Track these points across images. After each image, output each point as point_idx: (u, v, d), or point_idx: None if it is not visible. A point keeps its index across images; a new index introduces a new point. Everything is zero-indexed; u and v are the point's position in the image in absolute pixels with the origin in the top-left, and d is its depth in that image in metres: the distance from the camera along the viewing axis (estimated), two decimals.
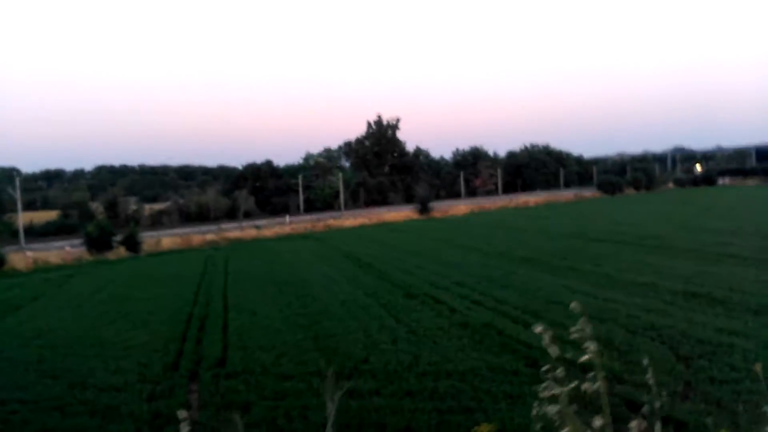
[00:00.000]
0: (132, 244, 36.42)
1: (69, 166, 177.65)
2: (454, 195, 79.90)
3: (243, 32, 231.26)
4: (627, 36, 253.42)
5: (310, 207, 66.51)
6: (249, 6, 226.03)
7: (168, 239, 40.22)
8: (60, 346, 14.84)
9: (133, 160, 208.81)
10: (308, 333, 14.39)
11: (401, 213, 57.73)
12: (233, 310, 17.69)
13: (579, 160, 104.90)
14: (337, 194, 67.95)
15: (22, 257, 33.97)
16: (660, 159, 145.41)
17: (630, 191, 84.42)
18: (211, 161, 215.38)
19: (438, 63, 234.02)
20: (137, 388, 11.19)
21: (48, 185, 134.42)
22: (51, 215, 56.43)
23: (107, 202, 55.99)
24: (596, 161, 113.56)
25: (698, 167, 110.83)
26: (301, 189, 64.62)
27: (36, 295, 23.20)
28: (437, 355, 11.91)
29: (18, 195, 41.70)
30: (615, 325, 13.38)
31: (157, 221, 55.69)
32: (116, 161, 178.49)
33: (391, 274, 22.55)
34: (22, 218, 44.78)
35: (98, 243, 35.77)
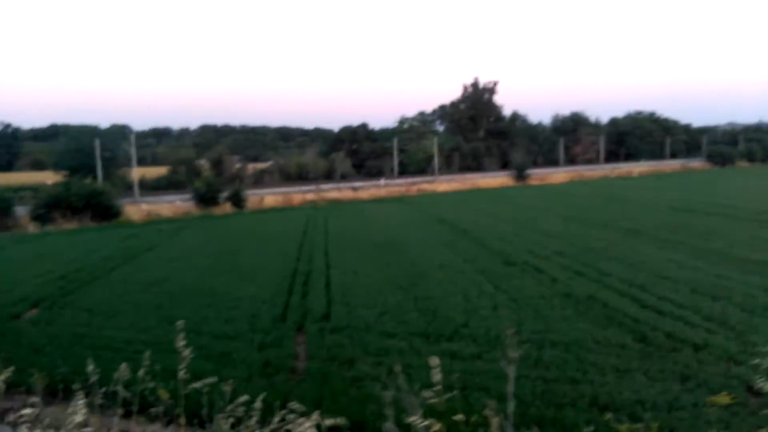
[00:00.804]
0: (237, 200, 38.04)
1: (176, 125, 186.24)
2: (553, 162, 77.65)
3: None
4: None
5: (404, 170, 66.72)
6: None
7: (270, 197, 41.68)
8: (175, 294, 15.85)
9: (235, 120, 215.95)
10: (408, 294, 14.62)
11: (496, 179, 56.90)
12: (335, 268, 18.19)
13: (687, 129, 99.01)
14: (430, 158, 67.72)
15: (136, 209, 36.31)
16: None
17: (743, 163, 79.18)
18: (308, 123, 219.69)
19: (538, 24, 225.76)
20: (248, 337, 11.82)
21: (157, 142, 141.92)
22: (161, 171, 59.61)
23: (213, 160, 58.51)
24: (705, 130, 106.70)
25: None
26: (396, 152, 64.86)
27: (150, 245, 24.74)
28: (540, 323, 11.80)
29: (133, 151, 44.39)
30: (729, 303, 12.74)
31: (259, 180, 57.71)
32: (219, 121, 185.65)
33: (488, 241, 22.38)
34: (132, 173, 47.80)
35: (206, 199, 37.58)
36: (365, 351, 10.75)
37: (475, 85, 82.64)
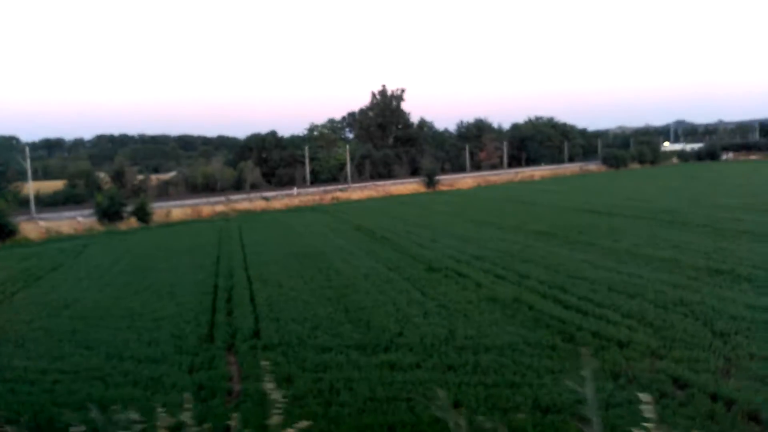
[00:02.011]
0: (142, 214, 36.42)
1: (68, 135, 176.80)
2: (459, 168, 79.66)
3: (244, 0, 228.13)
4: (628, 7, 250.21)
5: (315, 179, 66.36)
6: None
7: (178, 210, 40.21)
8: (89, 316, 14.92)
9: (132, 129, 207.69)
10: (338, 306, 14.48)
11: (408, 186, 57.67)
12: (257, 281, 17.76)
13: (583, 133, 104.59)
14: (342, 166, 67.76)
15: (34, 227, 34.02)
16: (662, 132, 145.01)
17: (635, 165, 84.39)
18: (210, 131, 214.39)
19: (442, 34, 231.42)
20: (176, 360, 11.28)
21: (48, 154, 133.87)
22: (57, 185, 56.28)
23: (114, 172, 55.80)
24: (599, 134, 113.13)
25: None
26: (307, 160, 64.37)
27: (54, 265, 23.23)
28: (472, 329, 12.00)
29: (28, 164, 41.58)
30: (644, 300, 13.47)
31: (163, 192, 55.58)
32: (115, 130, 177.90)
33: (408, 248, 22.60)
34: (26, 188, 44.78)
35: (109, 213, 35.76)
36: (302, 368, 10.53)
37: (383, 92, 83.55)
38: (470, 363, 10.16)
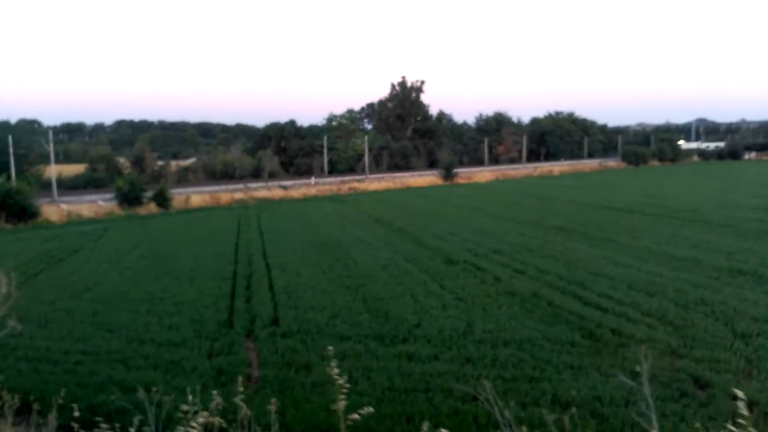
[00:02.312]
0: (162, 200, 36.71)
1: (89, 120, 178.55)
2: (477, 161, 79.28)
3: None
4: (651, 4, 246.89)
5: (333, 169, 66.41)
6: None
7: (197, 196, 40.46)
8: (111, 299, 15.10)
9: (153, 115, 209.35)
10: (356, 295, 14.53)
11: (425, 178, 57.52)
12: (276, 269, 17.86)
13: (603, 129, 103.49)
14: (359, 157, 67.71)
15: (56, 209, 34.43)
16: (683, 130, 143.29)
17: (654, 162, 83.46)
18: (229, 119, 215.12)
19: (463, 25, 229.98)
20: (195, 345, 11.40)
21: (68, 138, 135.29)
22: (78, 169, 56.89)
23: (134, 158, 56.30)
24: (620, 131, 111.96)
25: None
26: (325, 150, 64.41)
27: (75, 248, 23.53)
28: (490, 322, 11.98)
29: (51, 148, 42.05)
30: (664, 299, 13.37)
31: (183, 178, 55.93)
32: (135, 116, 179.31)
33: (426, 240, 22.59)
34: (49, 171, 45.29)
35: (129, 198, 36.10)
36: (320, 356, 10.56)
37: (402, 84, 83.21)
38: (488, 356, 10.16)
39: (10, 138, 40.22)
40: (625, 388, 8.72)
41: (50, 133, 44.49)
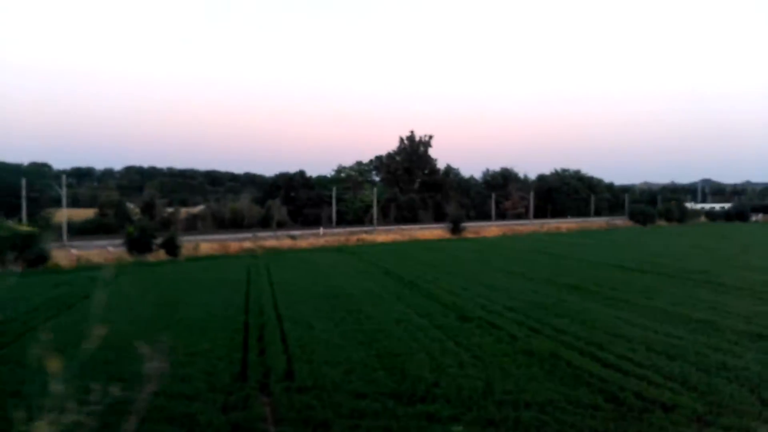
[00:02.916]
0: (171, 247, 36.75)
1: (98, 165, 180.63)
2: (484, 216, 79.57)
3: (277, 39, 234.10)
4: (655, 63, 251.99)
5: (340, 220, 66.69)
6: (284, 13, 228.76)
7: (206, 244, 40.52)
8: (121, 348, 14.87)
9: (162, 162, 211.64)
10: (370, 351, 14.32)
11: (433, 231, 57.61)
12: (287, 321, 17.67)
13: (610, 188, 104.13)
14: (367, 208, 68.08)
15: (66, 254, 34.45)
16: (689, 190, 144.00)
17: (662, 222, 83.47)
18: (237, 168, 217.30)
19: (470, 82, 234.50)
20: (209, 398, 11.19)
21: (78, 183, 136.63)
22: (88, 213, 57.24)
23: (143, 204, 56.69)
24: (626, 189, 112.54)
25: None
26: (334, 201, 64.82)
27: (86, 293, 23.43)
28: (510, 383, 11.74)
29: (63, 192, 42.44)
30: (685, 362, 13.12)
31: (191, 225, 56.17)
32: (144, 162, 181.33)
33: (438, 295, 22.42)
34: (60, 215, 45.60)
35: (139, 244, 36.15)
36: (337, 413, 10.36)
37: (411, 137, 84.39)
38: (511, 419, 9.91)
39: (23, 181, 40.66)
40: None
41: (63, 177, 45.00)
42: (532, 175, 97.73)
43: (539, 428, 9.56)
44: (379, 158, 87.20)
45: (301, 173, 74.20)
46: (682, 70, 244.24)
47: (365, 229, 57.18)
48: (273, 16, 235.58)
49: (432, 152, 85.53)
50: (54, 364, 4.56)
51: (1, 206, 47.28)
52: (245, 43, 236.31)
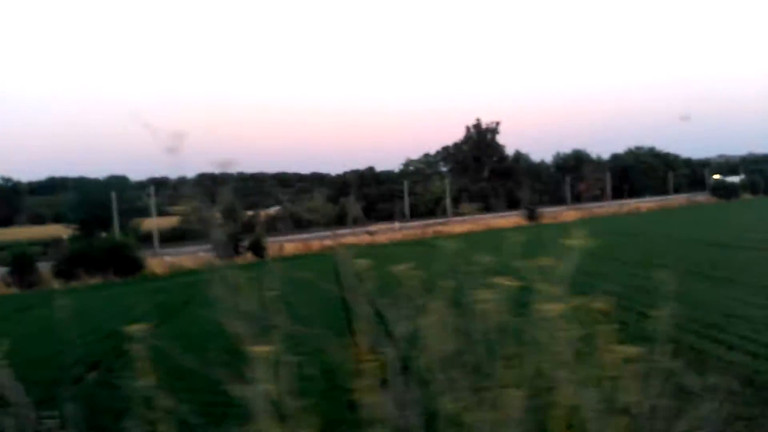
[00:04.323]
0: (258, 249, 37.86)
1: (172, 174, 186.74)
2: (558, 200, 77.96)
3: (333, 37, 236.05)
4: (726, 35, 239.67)
5: (413, 213, 66.93)
6: (343, 8, 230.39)
7: (290, 244, 41.53)
8: (236, 351, 15.51)
9: (232, 167, 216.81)
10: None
11: (509, 219, 57.05)
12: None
13: (688, 163, 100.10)
14: (438, 200, 68.01)
15: (159, 262, 36.04)
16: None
17: (746, 195, 79.78)
18: (304, 168, 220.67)
19: (535, 65, 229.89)
20: (333, 396, 11.51)
21: (156, 192, 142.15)
22: (171, 221, 59.56)
23: (224, 209, 58.43)
24: (706, 163, 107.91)
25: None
26: (406, 195, 65.15)
27: (187, 298, 24.47)
28: None
29: (153, 202, 44.48)
30: None
31: (271, 227, 57.58)
32: (215, 169, 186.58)
33: None
34: (146, 224, 47.86)
35: (227, 248, 37.37)
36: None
37: (477, 125, 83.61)
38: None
39: (113, 194, 42.80)
40: None
41: (152, 187, 47.12)
42: (606, 155, 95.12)
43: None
44: (446, 149, 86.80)
45: (371, 169, 74.91)
46: (751, 40, 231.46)
47: (440, 221, 57.20)
48: (333, 10, 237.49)
49: (500, 139, 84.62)
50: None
51: (93, 220, 49.99)
52: (294, 45, 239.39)
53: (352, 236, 47.15)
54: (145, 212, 53.01)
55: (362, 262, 4.47)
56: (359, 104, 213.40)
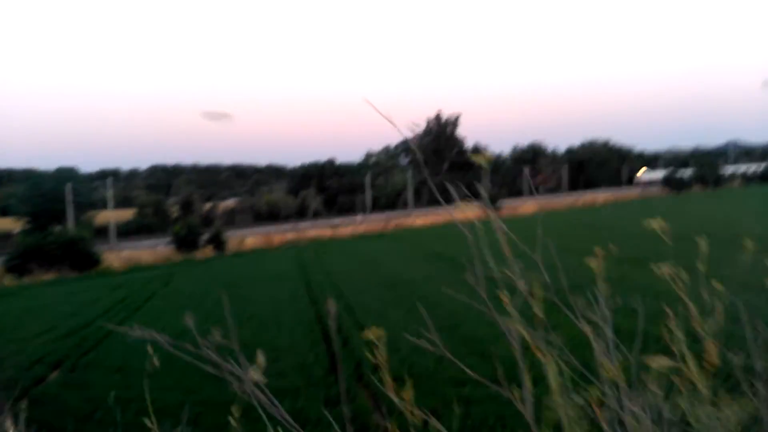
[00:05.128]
0: (218, 243, 37.14)
1: (124, 166, 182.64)
2: (515, 192, 78.90)
3: (292, 27, 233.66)
4: (675, 32, 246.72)
5: (374, 206, 66.80)
6: (308, 4, 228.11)
7: (251, 238, 40.89)
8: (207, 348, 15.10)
9: (186, 159, 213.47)
10: (453, 337, 14.29)
11: (470, 212, 57.31)
12: (359, 310, 17.71)
13: (640, 156, 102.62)
14: (399, 193, 68.02)
15: (116, 256, 34.98)
16: (717, 153, 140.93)
17: (696, 188, 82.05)
18: (260, 160, 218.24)
19: (493, 58, 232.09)
20: (310, 393, 11.26)
21: (105, 185, 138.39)
22: (125, 214, 58.03)
23: (182, 201, 57.34)
24: (656, 156, 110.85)
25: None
26: (368, 188, 64.92)
27: (148, 295, 23.78)
28: None
29: (110, 194, 43.11)
30: None
31: (229, 220, 56.74)
32: (169, 160, 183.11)
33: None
34: (101, 217, 46.38)
35: (186, 242, 36.57)
36: (443, 402, 10.35)
37: (438, 118, 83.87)
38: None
39: (69, 186, 41.32)
40: None
41: (110, 179, 45.71)
42: (562, 148, 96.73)
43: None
44: (406, 142, 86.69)
45: (331, 162, 74.37)
46: (695, 33, 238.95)
47: (401, 213, 57.17)
48: (299, 6, 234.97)
49: (460, 132, 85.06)
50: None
51: (45, 213, 48.23)
52: (257, 34, 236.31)
53: (313, 229, 46.74)
54: (98, 205, 51.47)
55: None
56: (319, 95, 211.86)
